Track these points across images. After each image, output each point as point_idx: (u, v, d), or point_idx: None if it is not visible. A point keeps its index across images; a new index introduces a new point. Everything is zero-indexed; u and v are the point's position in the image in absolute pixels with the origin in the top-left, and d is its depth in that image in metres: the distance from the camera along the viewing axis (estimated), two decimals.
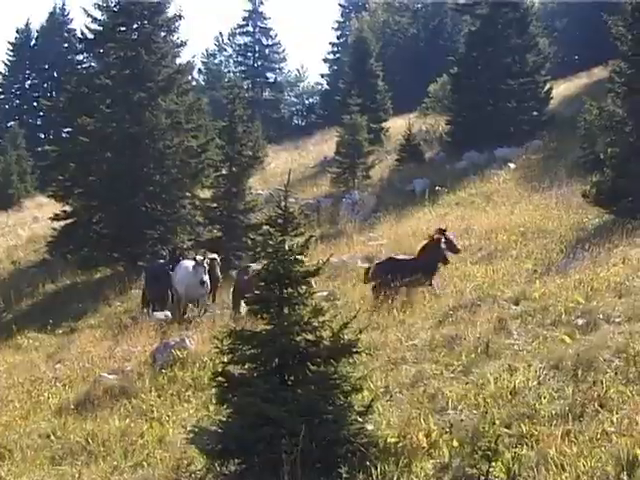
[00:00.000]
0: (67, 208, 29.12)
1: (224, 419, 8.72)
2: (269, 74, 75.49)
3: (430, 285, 15.91)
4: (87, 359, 16.06)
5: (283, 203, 8.72)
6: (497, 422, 8.56)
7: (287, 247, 8.58)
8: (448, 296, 14.85)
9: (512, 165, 31.27)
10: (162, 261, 21.67)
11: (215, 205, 26.07)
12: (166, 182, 27.99)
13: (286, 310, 8.60)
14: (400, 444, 8.41)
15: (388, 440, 8.46)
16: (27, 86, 70.76)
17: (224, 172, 26.11)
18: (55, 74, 65.62)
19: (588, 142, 27.26)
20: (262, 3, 74.43)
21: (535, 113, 36.15)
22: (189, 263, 19.30)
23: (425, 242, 16.82)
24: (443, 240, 16.66)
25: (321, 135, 51.04)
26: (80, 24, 32.95)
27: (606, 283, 13.02)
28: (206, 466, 8.87)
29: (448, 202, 28.14)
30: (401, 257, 17.01)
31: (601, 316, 11.26)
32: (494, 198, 26.89)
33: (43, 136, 63.18)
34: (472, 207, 26.23)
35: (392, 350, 11.71)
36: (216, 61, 77.09)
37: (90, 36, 30.36)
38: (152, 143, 27.90)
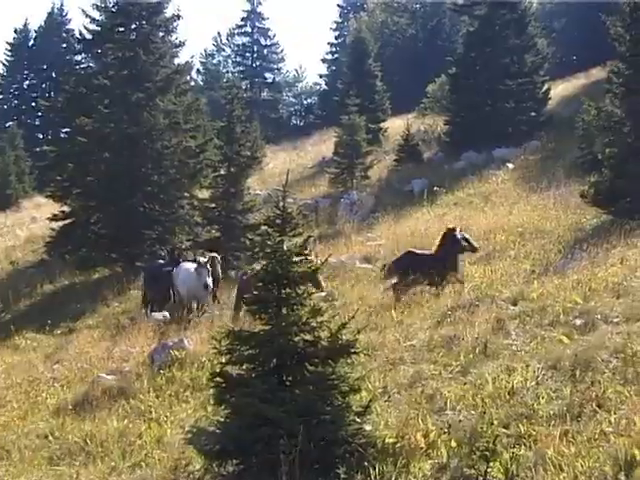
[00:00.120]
0: (65, 208, 29.10)
1: (222, 419, 8.72)
2: (267, 74, 75.51)
3: (457, 280, 15.65)
4: (85, 359, 16.05)
5: (281, 203, 8.72)
6: (495, 422, 8.56)
7: (285, 247, 8.58)
8: (446, 296, 14.85)
9: (510, 165, 31.28)
10: (161, 261, 21.66)
11: (213, 205, 26.04)
12: (164, 182, 27.97)
13: (284, 310, 8.60)
14: (398, 444, 8.42)
15: (386, 440, 8.46)
16: (25, 86, 70.72)
17: (222, 172, 26.08)
18: (53, 74, 65.58)
19: (586, 142, 27.28)
20: (260, 3, 74.54)
21: (533, 113, 36.17)
22: (190, 265, 19.22)
23: (441, 235, 16.66)
24: (459, 231, 16.50)
25: (319, 135, 51.05)
26: (78, 24, 33.14)
27: (604, 283, 13.02)
28: (204, 466, 8.87)
29: (446, 202, 28.15)
30: (419, 252, 16.77)
31: (599, 316, 11.26)
32: (492, 198, 26.90)
33: (41, 136, 63.13)
34: (470, 207, 26.24)
35: (390, 350, 11.70)
36: (214, 61, 77.11)
37: (88, 36, 30.35)
38: (150, 143, 27.89)
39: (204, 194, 28.25)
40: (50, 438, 11.80)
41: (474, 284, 15.33)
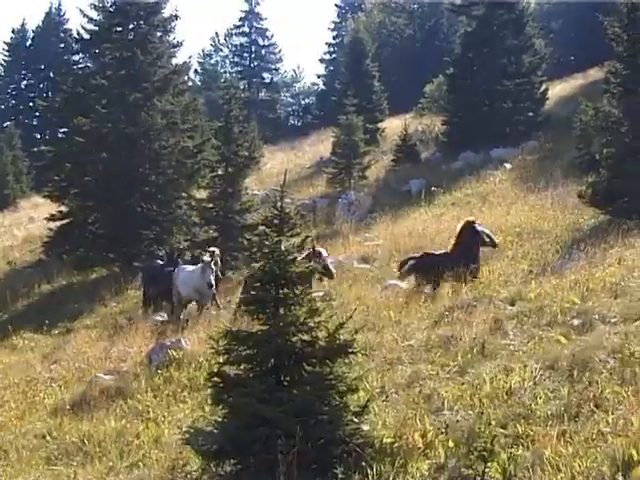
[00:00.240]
0: (63, 208, 29.11)
1: (220, 420, 8.72)
2: (265, 74, 75.53)
3: (475, 275, 15.52)
4: (83, 359, 16.04)
5: (279, 203, 8.71)
6: (493, 422, 8.56)
7: (283, 247, 8.58)
8: (444, 297, 14.85)
9: (508, 165, 31.30)
10: (160, 262, 21.63)
11: (211, 205, 26.03)
12: (162, 182, 27.98)
13: (282, 311, 8.59)
14: (396, 444, 8.41)
15: (384, 440, 8.45)
16: (23, 86, 70.68)
17: (220, 172, 26.06)
18: (51, 74, 65.51)
19: (584, 143, 27.29)
20: (258, 3, 74.67)
21: (531, 114, 36.20)
22: (190, 267, 19.15)
23: (458, 231, 16.46)
24: (478, 225, 16.37)
25: (317, 135, 51.07)
26: (76, 24, 33.05)
27: (602, 284, 13.02)
28: (202, 467, 8.86)
29: (444, 202, 28.17)
30: (436, 253, 16.57)
31: (597, 316, 11.26)
32: (490, 198, 26.92)
33: (39, 136, 63.15)
34: (468, 207, 26.24)
35: (388, 350, 11.70)
36: (212, 61, 77.12)
37: (86, 36, 30.39)
38: (148, 143, 27.90)
39: (202, 194, 28.24)
40: (48, 438, 11.79)
41: (472, 284, 15.32)
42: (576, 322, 11.27)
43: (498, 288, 14.56)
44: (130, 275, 24.35)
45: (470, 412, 9.00)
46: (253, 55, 74.88)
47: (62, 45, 66.58)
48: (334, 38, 73.55)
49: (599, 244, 16.42)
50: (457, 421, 8.82)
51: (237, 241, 24.50)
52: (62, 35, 68.53)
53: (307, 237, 9.07)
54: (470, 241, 16.02)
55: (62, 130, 36.24)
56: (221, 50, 76.83)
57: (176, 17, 29.91)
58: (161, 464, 9.66)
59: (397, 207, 28.52)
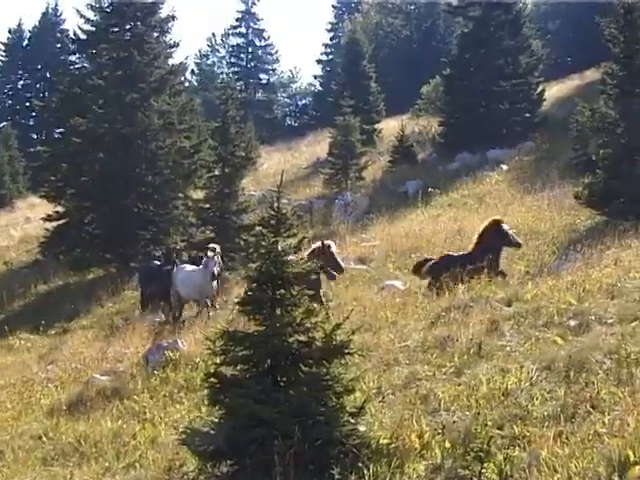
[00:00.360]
0: (59, 209, 29.09)
1: (216, 420, 8.71)
2: (262, 75, 75.59)
3: (498, 274, 15.28)
4: (79, 360, 16.03)
5: (276, 204, 8.70)
6: (489, 423, 8.56)
7: (280, 248, 8.58)
8: (441, 297, 14.84)
9: (504, 166, 31.33)
10: (157, 262, 21.61)
11: (208, 206, 26.03)
12: (158, 183, 27.97)
13: (278, 311, 8.58)
14: (392, 445, 8.41)
15: (380, 441, 8.45)
16: (19, 86, 70.68)
17: (217, 173, 26.07)
18: (47, 75, 65.43)
19: (580, 144, 27.33)
20: (255, 4, 74.59)
21: (527, 115, 36.25)
22: (190, 267, 19.13)
23: (481, 230, 16.13)
24: (504, 225, 16.07)
25: (314, 136, 51.06)
26: (73, 25, 33.06)
27: (598, 284, 13.01)
28: (198, 467, 8.85)
29: (441, 203, 28.19)
30: (456, 254, 16.26)
31: (593, 317, 11.26)
32: (486, 199, 26.95)
33: (35, 136, 63.10)
34: (464, 208, 26.27)
35: (384, 351, 11.69)
36: (209, 62, 77.15)
37: (83, 37, 30.39)
38: (144, 144, 27.89)
39: (198, 195, 28.24)
40: (44, 439, 11.78)
41: (468, 285, 15.32)
42: (572, 323, 11.27)
43: (495, 289, 14.54)
44: (127, 275, 24.34)
45: (467, 413, 9.00)
46: (250, 56, 74.88)
47: (59, 45, 66.63)
48: (331, 39, 73.61)
49: (595, 245, 16.41)
50: (454, 422, 8.82)
51: (234, 242, 24.48)
52: (59, 35, 68.55)
53: (304, 238, 9.04)
54: (494, 241, 15.72)
55: (59, 130, 36.27)
56: (218, 51, 76.94)
57: (173, 18, 29.96)
58: (157, 465, 9.65)
59: (394, 208, 28.53)
